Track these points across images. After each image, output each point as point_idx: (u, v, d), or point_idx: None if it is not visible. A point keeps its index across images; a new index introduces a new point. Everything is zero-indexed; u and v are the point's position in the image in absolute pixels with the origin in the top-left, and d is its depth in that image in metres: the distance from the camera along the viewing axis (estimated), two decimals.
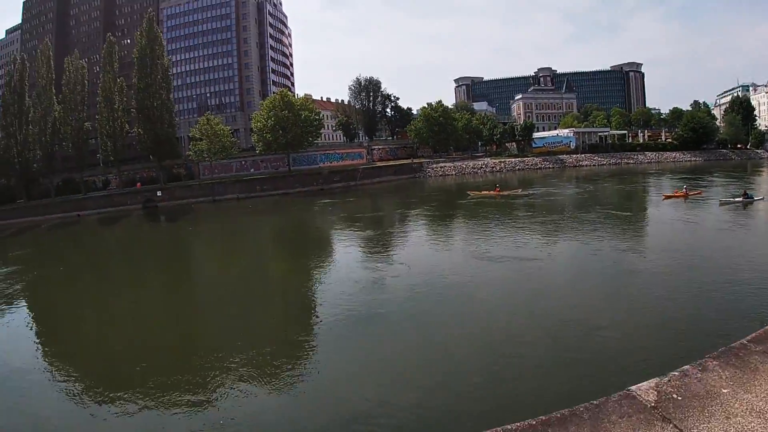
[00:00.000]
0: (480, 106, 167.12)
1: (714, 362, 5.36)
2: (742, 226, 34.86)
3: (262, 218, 62.72)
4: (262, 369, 15.69)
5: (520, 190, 62.36)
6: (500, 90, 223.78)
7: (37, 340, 20.91)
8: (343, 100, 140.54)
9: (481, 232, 38.77)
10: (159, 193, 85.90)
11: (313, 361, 16.24)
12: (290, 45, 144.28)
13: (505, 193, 58.60)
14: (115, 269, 38.70)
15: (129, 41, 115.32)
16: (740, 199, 42.78)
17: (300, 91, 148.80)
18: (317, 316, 21.06)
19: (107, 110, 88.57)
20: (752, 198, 43.01)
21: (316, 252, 37.89)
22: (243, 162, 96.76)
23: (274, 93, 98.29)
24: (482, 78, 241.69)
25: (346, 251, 35.77)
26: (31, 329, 23.02)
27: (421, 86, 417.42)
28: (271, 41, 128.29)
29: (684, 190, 49.46)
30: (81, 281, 34.29)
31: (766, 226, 36.72)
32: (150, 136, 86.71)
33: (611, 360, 14.16)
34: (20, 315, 25.46)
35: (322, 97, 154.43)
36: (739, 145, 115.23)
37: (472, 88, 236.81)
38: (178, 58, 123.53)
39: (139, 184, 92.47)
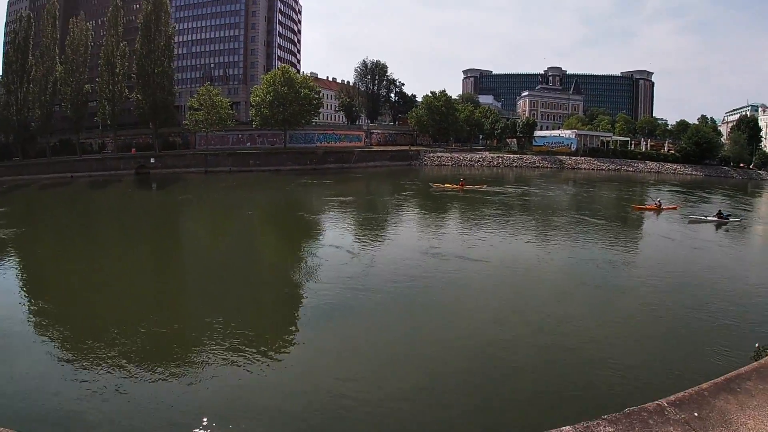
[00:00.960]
0: (485, 99, 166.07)
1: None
2: (703, 244, 34.43)
3: (230, 193, 63.31)
4: (240, 348, 15.83)
5: (485, 186, 61.86)
6: (508, 85, 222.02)
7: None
8: (348, 82, 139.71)
9: (435, 226, 39.40)
10: (152, 161, 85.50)
11: (289, 343, 16.71)
12: (299, 22, 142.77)
13: (470, 188, 58.25)
14: (92, 234, 38.54)
15: (137, 6, 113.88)
16: (713, 218, 41.66)
17: (306, 69, 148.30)
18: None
19: (108, 74, 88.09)
20: (727, 218, 41.85)
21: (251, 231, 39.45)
22: (240, 135, 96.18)
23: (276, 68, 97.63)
24: (491, 71, 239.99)
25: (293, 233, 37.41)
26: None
27: (430, 75, 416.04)
28: (280, 16, 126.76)
29: (657, 203, 48.26)
30: (50, 243, 34.28)
31: (727, 248, 35.17)
32: (148, 103, 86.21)
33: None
34: None
35: (328, 77, 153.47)
36: (741, 164, 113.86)
37: (479, 80, 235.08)
38: (186, 27, 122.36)
39: (133, 149, 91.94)
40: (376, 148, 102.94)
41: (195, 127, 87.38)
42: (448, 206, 49.09)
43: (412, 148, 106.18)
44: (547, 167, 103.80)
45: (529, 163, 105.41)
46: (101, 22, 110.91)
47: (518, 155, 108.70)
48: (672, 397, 5.27)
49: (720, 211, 42.43)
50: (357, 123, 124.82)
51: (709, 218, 41.94)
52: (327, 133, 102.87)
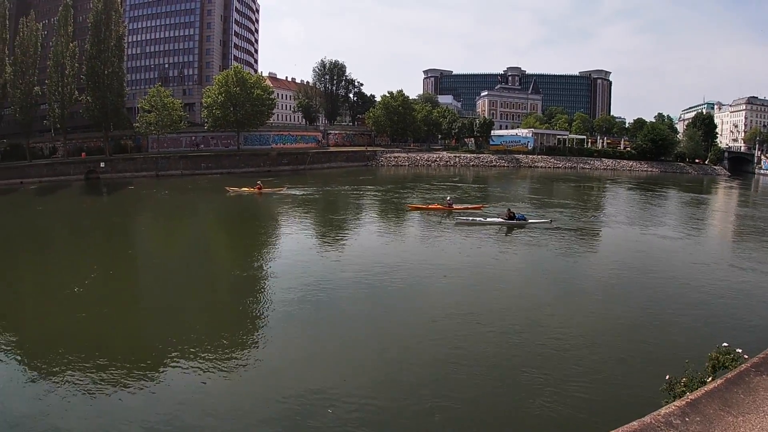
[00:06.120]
0: (445, 99, 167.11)
1: None
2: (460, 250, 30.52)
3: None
4: (207, 354, 15.90)
5: (285, 188, 60.36)
6: (468, 85, 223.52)
7: None
8: (308, 82, 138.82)
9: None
10: (102, 165, 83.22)
11: (257, 346, 16.87)
12: (257, 21, 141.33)
13: (268, 191, 57.71)
14: (39, 247, 36.90)
15: (90, 6, 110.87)
16: (499, 219, 37.02)
17: (265, 69, 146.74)
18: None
19: (57, 75, 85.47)
20: (522, 219, 37.02)
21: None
22: (193, 137, 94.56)
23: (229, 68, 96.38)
24: (451, 72, 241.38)
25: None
26: None
27: (391, 75, 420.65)
28: (236, 15, 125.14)
29: (447, 203, 43.41)
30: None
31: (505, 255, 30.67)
32: (98, 105, 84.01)
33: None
34: None
35: (287, 77, 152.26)
36: (697, 160, 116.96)
37: (440, 80, 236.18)
38: (140, 26, 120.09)
39: (84, 153, 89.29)
40: (332, 149, 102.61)
41: (146, 129, 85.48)
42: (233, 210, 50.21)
43: (369, 148, 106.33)
44: (504, 166, 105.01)
45: (486, 162, 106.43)
46: (53, 21, 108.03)
47: (475, 155, 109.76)
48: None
49: (510, 210, 37.68)
50: (315, 124, 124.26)
51: (489, 219, 37.66)
52: (282, 134, 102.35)
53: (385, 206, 51.81)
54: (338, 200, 56.81)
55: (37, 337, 18.05)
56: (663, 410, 4.52)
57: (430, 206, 44.14)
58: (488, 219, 37.69)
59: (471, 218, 38.12)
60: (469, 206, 44.64)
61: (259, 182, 58.27)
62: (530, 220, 37.66)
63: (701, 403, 4.58)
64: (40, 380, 14.54)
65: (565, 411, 12.72)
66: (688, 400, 4.70)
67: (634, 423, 4.32)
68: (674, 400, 5.19)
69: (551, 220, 38.63)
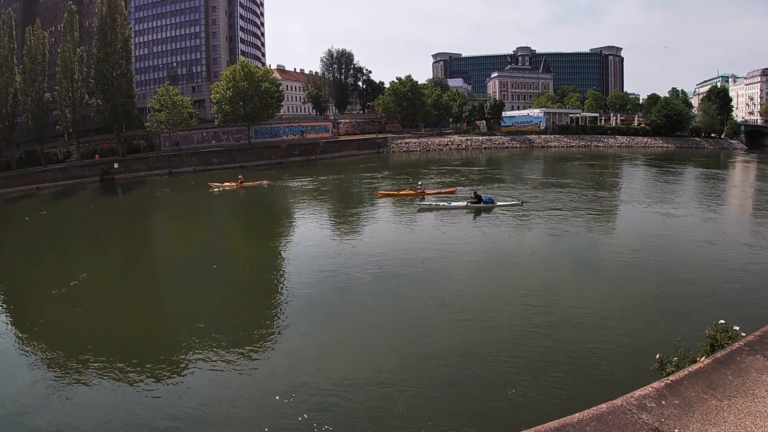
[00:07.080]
0: (455, 82, 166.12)
1: None
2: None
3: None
4: (227, 348, 16.05)
5: (266, 182, 60.32)
6: (478, 67, 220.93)
7: None
8: (316, 72, 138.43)
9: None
10: (116, 166, 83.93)
11: (276, 340, 16.88)
12: (262, 15, 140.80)
13: (249, 184, 57.65)
14: (56, 247, 37.44)
15: (95, 11, 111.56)
16: (463, 203, 36.42)
17: (273, 62, 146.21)
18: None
19: (67, 81, 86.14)
20: (491, 202, 35.97)
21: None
22: (204, 134, 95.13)
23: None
24: (460, 54, 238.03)
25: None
26: None
27: (399, 61, 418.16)
28: (241, 10, 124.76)
29: (419, 188, 42.68)
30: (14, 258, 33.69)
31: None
32: (108, 107, 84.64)
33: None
34: None
35: (295, 69, 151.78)
36: (713, 135, 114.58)
37: (449, 64, 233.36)
38: (146, 27, 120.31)
39: (97, 156, 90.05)
40: (343, 138, 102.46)
41: (157, 128, 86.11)
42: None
43: (380, 135, 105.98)
44: (516, 147, 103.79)
45: (498, 144, 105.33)
46: (59, 28, 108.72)
47: (487, 137, 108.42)
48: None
49: (476, 193, 36.68)
50: (325, 114, 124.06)
51: (453, 204, 36.79)
52: (293, 125, 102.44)
53: (363, 194, 51.36)
54: (327, 191, 56.41)
55: (57, 335, 18.30)
56: (638, 392, 4.29)
57: (400, 192, 43.84)
58: (453, 203, 36.89)
59: (434, 203, 37.72)
60: (442, 191, 43.89)
61: (240, 177, 58.88)
62: (498, 203, 36.63)
63: (682, 385, 4.34)
64: (62, 378, 14.76)
65: (557, 393, 12.42)
66: (668, 381, 4.46)
67: (603, 405, 4.11)
68: None
69: (522, 202, 37.36)
